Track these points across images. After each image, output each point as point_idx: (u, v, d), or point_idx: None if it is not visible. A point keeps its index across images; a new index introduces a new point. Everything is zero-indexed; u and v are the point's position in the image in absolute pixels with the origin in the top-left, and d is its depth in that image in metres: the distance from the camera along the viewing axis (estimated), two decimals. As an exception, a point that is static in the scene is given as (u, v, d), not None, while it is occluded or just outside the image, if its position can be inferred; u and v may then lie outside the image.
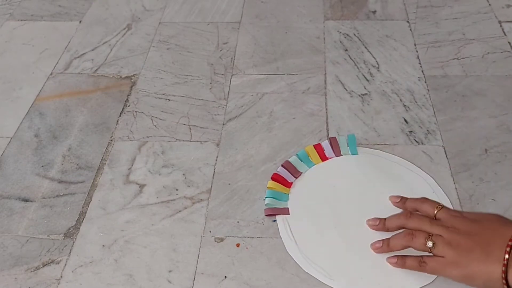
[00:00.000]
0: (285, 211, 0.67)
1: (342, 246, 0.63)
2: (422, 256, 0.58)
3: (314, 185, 0.70)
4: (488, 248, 0.55)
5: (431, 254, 0.58)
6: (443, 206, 0.61)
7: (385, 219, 0.63)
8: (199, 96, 0.85)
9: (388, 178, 0.70)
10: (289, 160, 0.73)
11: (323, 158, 0.73)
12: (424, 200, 0.63)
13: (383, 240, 0.61)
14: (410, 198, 0.65)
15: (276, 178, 0.71)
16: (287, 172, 0.71)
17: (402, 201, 0.65)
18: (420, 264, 0.58)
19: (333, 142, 0.74)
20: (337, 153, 0.73)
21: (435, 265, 0.57)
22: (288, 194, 0.69)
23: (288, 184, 0.70)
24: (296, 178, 0.71)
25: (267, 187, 0.70)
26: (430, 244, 0.57)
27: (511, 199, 0.67)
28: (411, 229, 0.60)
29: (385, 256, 0.61)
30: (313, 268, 0.61)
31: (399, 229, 0.61)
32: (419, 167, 0.71)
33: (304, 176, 0.71)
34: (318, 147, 0.74)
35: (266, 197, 0.69)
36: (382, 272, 0.60)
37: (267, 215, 0.67)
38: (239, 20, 1.02)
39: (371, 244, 0.62)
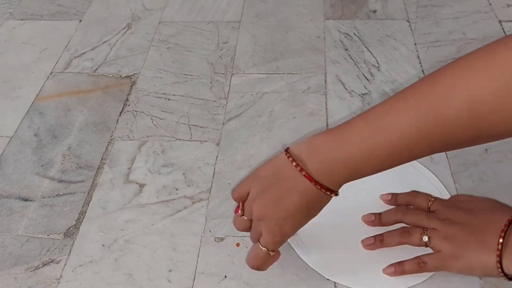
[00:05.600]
0: None
1: (334, 239, 0.64)
2: (419, 257, 0.58)
3: None
4: (482, 238, 0.55)
5: (427, 248, 0.58)
6: (435, 198, 0.62)
7: (380, 214, 0.63)
8: (199, 96, 0.85)
9: (396, 179, 0.70)
10: None
11: None
12: (416, 193, 0.64)
13: (374, 236, 0.62)
14: (401, 194, 0.65)
15: None
16: None
17: (393, 198, 0.65)
18: (420, 266, 0.58)
19: None
20: None
21: (435, 262, 0.57)
22: None
23: None
24: None
25: None
26: (426, 238, 0.58)
27: (511, 199, 0.67)
28: (407, 225, 0.61)
29: (376, 252, 0.62)
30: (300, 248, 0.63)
31: (395, 224, 0.62)
32: (428, 169, 0.71)
33: None
34: None
35: None
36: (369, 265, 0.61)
37: None
38: (239, 20, 1.02)
39: (362, 241, 0.62)
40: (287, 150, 0.54)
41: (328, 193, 0.53)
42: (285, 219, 0.54)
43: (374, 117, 0.50)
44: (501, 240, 0.54)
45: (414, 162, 0.71)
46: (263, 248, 0.55)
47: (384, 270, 0.60)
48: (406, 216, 0.61)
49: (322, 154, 0.52)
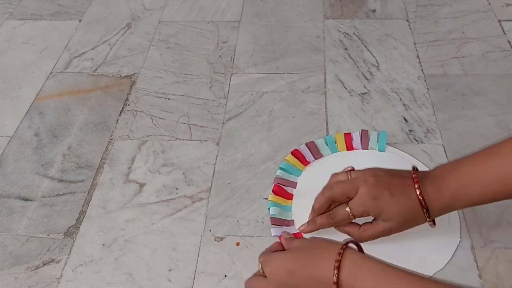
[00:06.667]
0: (293, 185, 0.70)
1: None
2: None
3: (329, 170, 0.70)
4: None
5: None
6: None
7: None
8: (199, 95, 0.85)
9: None
10: (314, 141, 0.75)
11: (349, 147, 0.74)
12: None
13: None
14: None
15: (296, 154, 0.73)
16: (308, 151, 0.74)
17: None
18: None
19: (364, 135, 0.75)
20: (364, 146, 0.74)
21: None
22: (302, 170, 0.72)
23: (305, 163, 0.73)
24: (316, 159, 0.73)
25: (285, 160, 0.73)
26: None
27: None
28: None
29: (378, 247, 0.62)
30: None
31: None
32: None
33: (324, 159, 0.73)
34: (347, 136, 0.75)
35: (280, 168, 0.72)
36: None
37: (274, 183, 0.70)
38: (239, 19, 1.02)
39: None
40: (414, 168, 0.59)
41: (425, 211, 0.56)
42: (385, 195, 0.57)
43: (486, 151, 0.57)
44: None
45: (394, 149, 0.73)
46: (347, 208, 0.59)
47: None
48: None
49: (436, 174, 0.57)
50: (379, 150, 0.73)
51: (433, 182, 0.57)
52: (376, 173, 0.59)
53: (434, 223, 0.58)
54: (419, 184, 0.56)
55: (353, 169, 0.62)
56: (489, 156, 0.56)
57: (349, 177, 0.61)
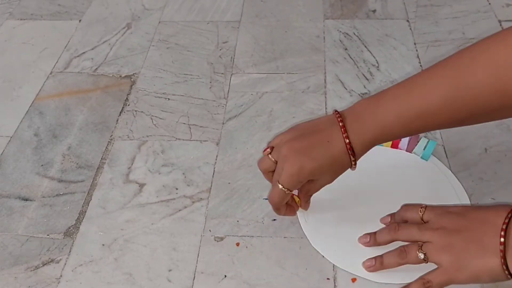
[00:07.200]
0: None
1: (348, 229, 0.64)
2: (423, 277, 0.56)
3: (364, 157, 0.70)
4: (481, 241, 0.53)
5: (428, 263, 0.57)
6: (426, 206, 0.60)
7: (375, 233, 0.62)
8: (199, 95, 0.85)
9: (416, 175, 0.69)
10: None
11: (395, 145, 0.73)
12: (406, 207, 0.62)
13: (374, 258, 0.60)
14: (397, 212, 0.63)
15: None
16: None
17: (392, 218, 0.63)
18: (426, 286, 0.55)
19: (413, 138, 0.73)
20: (410, 149, 0.73)
21: (440, 278, 0.55)
22: None
23: None
24: None
25: None
26: (421, 256, 0.56)
27: (511, 198, 0.67)
28: (403, 243, 0.59)
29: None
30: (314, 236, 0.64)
31: (390, 243, 0.60)
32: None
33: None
34: None
35: None
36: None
37: None
38: (239, 19, 1.02)
39: (363, 263, 0.60)
40: (336, 110, 0.59)
41: (351, 153, 0.57)
42: (307, 163, 0.57)
43: (406, 86, 0.56)
44: (502, 240, 0.51)
45: (437, 161, 0.71)
46: (280, 185, 0.58)
47: (365, 265, 0.60)
48: (398, 234, 0.59)
49: (358, 114, 0.57)
50: (422, 158, 0.72)
51: (355, 127, 0.57)
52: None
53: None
54: (347, 134, 0.57)
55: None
56: (410, 91, 0.55)
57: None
